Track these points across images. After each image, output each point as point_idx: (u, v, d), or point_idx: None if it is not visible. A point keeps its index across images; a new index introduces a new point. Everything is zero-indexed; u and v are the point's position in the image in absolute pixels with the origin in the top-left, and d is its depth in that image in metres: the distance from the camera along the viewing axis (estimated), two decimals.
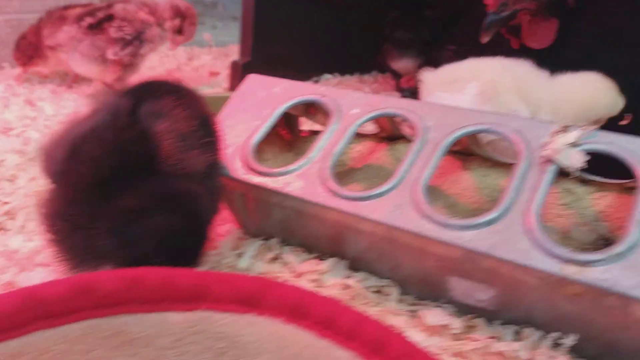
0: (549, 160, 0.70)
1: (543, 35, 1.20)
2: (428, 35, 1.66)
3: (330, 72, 2.06)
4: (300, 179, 0.81)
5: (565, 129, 0.72)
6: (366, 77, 2.08)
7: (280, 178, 0.82)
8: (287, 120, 1.07)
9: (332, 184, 0.78)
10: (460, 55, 1.48)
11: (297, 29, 1.91)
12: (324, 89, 0.93)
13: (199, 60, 2.30)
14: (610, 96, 0.99)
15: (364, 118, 0.85)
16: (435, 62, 1.55)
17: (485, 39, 1.17)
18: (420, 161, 0.77)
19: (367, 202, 0.75)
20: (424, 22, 1.67)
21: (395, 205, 0.73)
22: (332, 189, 0.78)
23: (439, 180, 0.95)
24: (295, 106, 0.94)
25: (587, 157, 0.70)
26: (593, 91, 0.99)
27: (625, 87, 1.12)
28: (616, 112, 1.00)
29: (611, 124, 1.02)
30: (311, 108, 1.03)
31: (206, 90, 1.86)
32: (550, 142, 0.71)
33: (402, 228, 0.70)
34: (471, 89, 0.99)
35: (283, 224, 0.86)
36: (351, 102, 0.88)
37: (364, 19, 1.92)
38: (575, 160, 0.69)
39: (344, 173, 1.00)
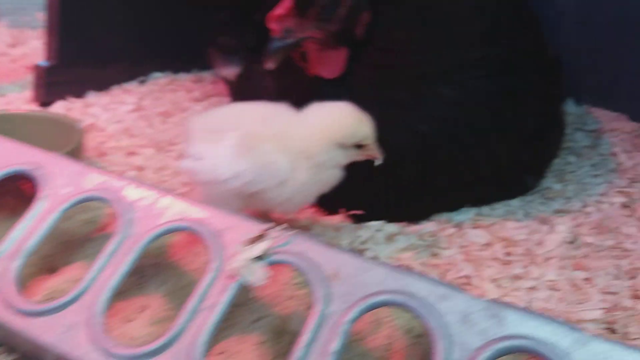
0: (233, 275, 0.65)
1: (332, 64, 1.13)
2: (254, 42, 1.54)
3: (162, 69, 1.90)
4: None
5: (256, 239, 0.67)
6: (205, 74, 1.93)
7: None
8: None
9: (11, 291, 0.69)
10: (272, 71, 1.40)
11: (117, 22, 1.71)
12: (42, 157, 0.82)
13: (24, 47, 2.04)
14: (354, 123, 0.96)
15: (71, 202, 0.76)
16: (248, 77, 1.46)
17: (269, 65, 1.06)
18: (112, 265, 0.69)
19: (42, 318, 0.67)
20: (251, 27, 1.55)
21: (69, 326, 0.66)
22: (8, 299, 0.69)
23: (181, 252, 0.89)
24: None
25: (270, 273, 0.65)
26: (336, 119, 0.96)
27: (400, 123, 1.10)
28: (363, 138, 0.96)
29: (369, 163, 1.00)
30: None
31: (10, 93, 1.66)
32: (238, 254, 0.66)
33: (66, 356, 0.63)
34: (230, 140, 0.93)
35: None
36: (65, 178, 0.79)
37: (202, 12, 1.76)
38: (258, 277, 0.65)
39: (80, 241, 0.91)
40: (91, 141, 1.44)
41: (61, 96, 1.63)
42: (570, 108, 1.80)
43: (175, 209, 0.72)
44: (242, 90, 1.44)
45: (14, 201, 0.93)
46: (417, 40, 1.11)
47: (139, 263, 0.85)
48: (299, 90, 1.20)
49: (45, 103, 1.60)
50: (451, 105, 1.11)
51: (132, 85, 1.80)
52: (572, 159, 1.49)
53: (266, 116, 0.96)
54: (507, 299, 0.96)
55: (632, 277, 1.02)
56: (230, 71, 1.62)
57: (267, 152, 0.90)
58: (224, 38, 1.61)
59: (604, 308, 0.95)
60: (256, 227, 0.69)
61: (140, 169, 1.36)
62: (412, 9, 1.13)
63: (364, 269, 0.64)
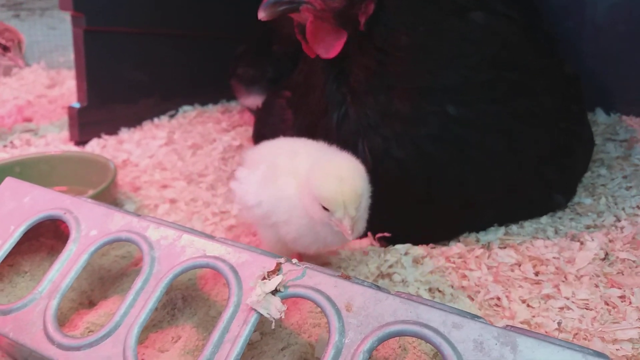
0: (252, 309, 0.67)
1: (328, 44, 1.05)
2: (272, 72, 1.59)
3: (191, 102, 1.97)
4: (25, 317, 0.76)
5: (271, 273, 0.69)
6: (232, 104, 1.99)
7: (8, 317, 0.76)
8: None
9: (51, 327, 0.74)
10: (291, 104, 1.43)
11: (144, 60, 1.80)
12: (70, 202, 0.87)
13: (61, 88, 2.16)
14: (320, 183, 0.85)
15: (98, 244, 0.80)
16: (269, 110, 1.49)
17: (262, 15, 0.96)
18: (141, 301, 0.73)
19: (81, 352, 0.71)
20: (269, 57, 1.61)
21: (106, 358, 0.69)
22: (49, 333, 0.73)
23: (210, 283, 0.92)
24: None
25: (284, 307, 0.67)
26: (313, 174, 0.87)
27: (403, 137, 1.05)
28: (326, 203, 0.84)
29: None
30: None
31: (49, 134, 1.75)
32: (254, 288, 0.68)
33: None
34: (258, 171, 0.96)
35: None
36: (92, 221, 0.83)
37: (226, 46, 1.83)
38: (275, 310, 0.67)
39: (116, 276, 0.96)
40: (126, 176, 1.50)
41: (96, 134, 1.71)
42: (600, 118, 1.77)
43: (195, 247, 0.75)
44: (263, 124, 1.47)
45: (51, 242, 0.98)
46: (421, 50, 1.06)
47: (171, 295, 0.89)
48: (314, 123, 1.20)
49: (81, 142, 1.68)
50: (458, 125, 1.06)
51: (162, 120, 1.87)
52: (603, 171, 1.46)
53: (295, 151, 0.97)
54: (537, 320, 0.95)
55: None
56: (252, 101, 1.68)
57: (282, 187, 0.91)
58: (244, 69, 1.66)
59: None
60: (271, 262, 0.71)
61: (173, 201, 1.40)
62: (419, 15, 1.07)
63: (376, 299, 0.65)
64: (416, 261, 1.12)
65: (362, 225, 0.93)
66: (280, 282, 0.67)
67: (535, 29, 1.31)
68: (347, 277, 0.69)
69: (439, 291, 1.03)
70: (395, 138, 1.06)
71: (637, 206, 1.28)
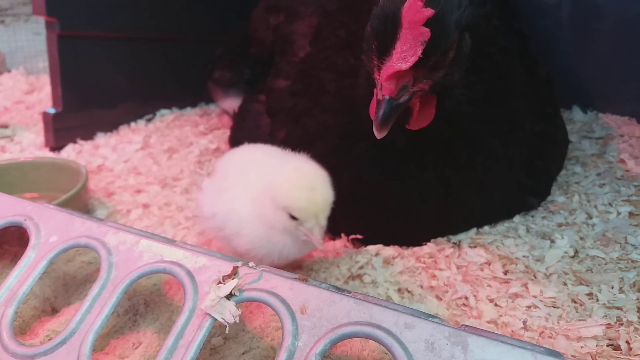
0: (206, 314, 0.67)
1: (427, 114, 0.97)
2: (249, 75, 1.59)
3: (169, 106, 1.96)
4: None
5: (227, 277, 0.69)
6: (212, 107, 1.99)
7: None
8: None
9: (6, 336, 0.73)
10: (268, 109, 1.42)
11: (120, 64, 1.78)
12: (32, 208, 0.86)
13: (39, 94, 2.13)
14: (287, 189, 0.85)
15: (57, 250, 0.79)
16: (244, 113, 1.49)
17: (382, 134, 0.84)
18: (97, 307, 0.72)
19: None
20: (246, 60, 1.60)
21: None
22: (4, 342, 0.72)
23: (174, 289, 0.91)
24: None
25: (239, 312, 0.67)
26: (278, 180, 0.86)
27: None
28: (295, 210, 0.85)
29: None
30: None
31: (24, 140, 1.73)
32: (209, 293, 0.68)
33: None
34: (214, 182, 0.96)
35: None
36: (52, 227, 0.82)
37: (205, 49, 1.82)
38: (229, 314, 0.66)
39: (80, 282, 0.95)
40: (100, 182, 1.49)
41: (71, 139, 1.70)
42: (577, 115, 1.78)
43: (153, 252, 0.75)
44: (239, 128, 1.46)
45: (15, 249, 0.97)
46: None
47: (133, 301, 0.89)
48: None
49: (56, 147, 1.66)
50: None
51: (139, 124, 1.86)
52: (577, 169, 1.46)
53: (247, 161, 0.96)
54: (504, 319, 0.95)
55: (639, 290, 0.99)
56: (229, 103, 1.67)
57: (231, 199, 0.90)
58: (220, 72, 1.65)
59: (606, 324, 0.91)
60: (228, 265, 0.71)
61: (146, 206, 1.39)
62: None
63: (331, 301, 0.65)
64: (387, 262, 1.12)
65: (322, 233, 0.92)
66: (235, 286, 0.67)
67: (509, 31, 1.29)
68: (304, 280, 0.68)
69: (408, 291, 1.03)
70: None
71: (609, 203, 1.29)
